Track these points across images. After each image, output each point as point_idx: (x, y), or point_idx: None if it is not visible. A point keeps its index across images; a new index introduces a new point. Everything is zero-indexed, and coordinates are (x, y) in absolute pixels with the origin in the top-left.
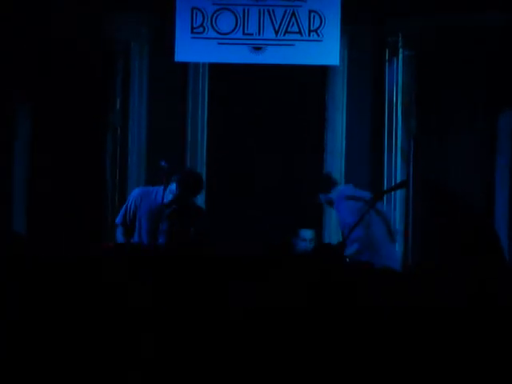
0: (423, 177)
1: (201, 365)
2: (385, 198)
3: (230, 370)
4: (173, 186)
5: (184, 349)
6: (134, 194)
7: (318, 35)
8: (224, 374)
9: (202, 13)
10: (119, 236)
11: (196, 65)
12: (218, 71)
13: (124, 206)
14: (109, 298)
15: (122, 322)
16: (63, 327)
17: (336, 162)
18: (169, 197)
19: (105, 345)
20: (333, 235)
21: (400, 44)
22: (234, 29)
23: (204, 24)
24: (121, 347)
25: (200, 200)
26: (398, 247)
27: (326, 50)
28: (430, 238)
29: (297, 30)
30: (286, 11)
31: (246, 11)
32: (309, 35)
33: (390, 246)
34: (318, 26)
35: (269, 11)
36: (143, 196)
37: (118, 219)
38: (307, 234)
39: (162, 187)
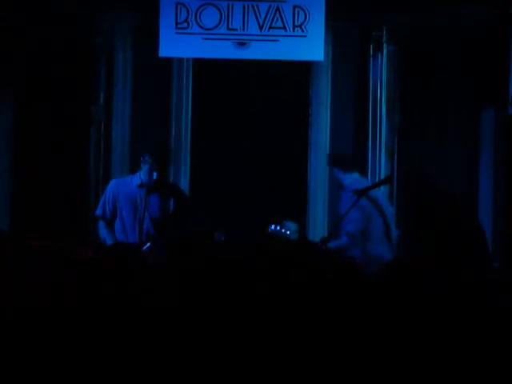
0: (409, 171)
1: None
2: None
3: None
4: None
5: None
6: (111, 185)
7: (303, 31)
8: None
9: (187, 8)
10: (102, 229)
11: (180, 60)
12: (202, 66)
13: (102, 198)
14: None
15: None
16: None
17: (320, 157)
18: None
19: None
20: (317, 228)
21: (384, 39)
22: (218, 24)
23: (188, 19)
24: (117, 347)
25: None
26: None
27: (310, 45)
28: (416, 233)
29: (281, 26)
30: (270, 6)
31: (231, 6)
32: (293, 31)
33: (383, 247)
34: (302, 21)
35: (253, 6)
36: (120, 185)
37: (98, 211)
38: (291, 225)
39: (138, 174)
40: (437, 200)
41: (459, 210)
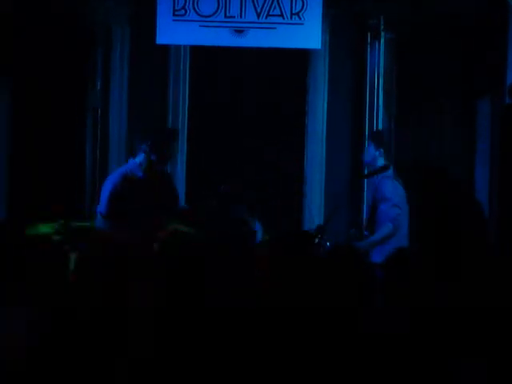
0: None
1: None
2: (365, 182)
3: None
4: (141, 157)
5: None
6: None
7: (300, 18)
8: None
9: None
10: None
11: (177, 47)
12: (200, 54)
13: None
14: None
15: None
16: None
17: (317, 145)
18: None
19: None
20: (314, 217)
21: (381, 27)
22: (216, 11)
23: (186, 6)
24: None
25: (181, 181)
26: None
27: (307, 33)
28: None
29: (279, 13)
30: None
31: None
32: (290, 18)
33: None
34: (299, 9)
35: None
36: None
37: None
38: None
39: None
40: (436, 188)
41: (459, 198)
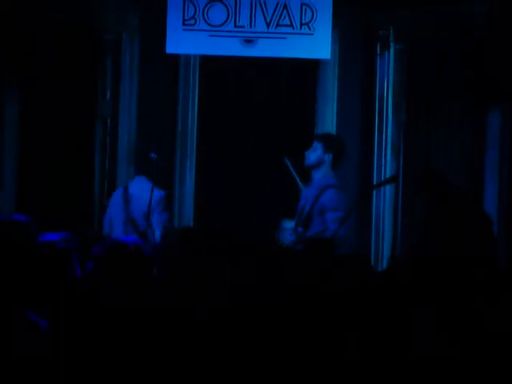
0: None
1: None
2: (374, 192)
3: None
4: None
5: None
6: None
7: (310, 28)
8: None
9: (194, 5)
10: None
11: (187, 56)
12: (209, 63)
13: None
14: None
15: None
16: None
17: None
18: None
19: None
20: None
21: (391, 38)
22: (226, 21)
23: (196, 16)
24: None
25: (189, 190)
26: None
27: (317, 43)
28: (421, 231)
29: (288, 23)
30: (277, 4)
31: (238, 3)
32: (300, 28)
33: None
34: (309, 19)
35: (260, 4)
36: None
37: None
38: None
39: None
40: (446, 198)
41: (469, 209)
